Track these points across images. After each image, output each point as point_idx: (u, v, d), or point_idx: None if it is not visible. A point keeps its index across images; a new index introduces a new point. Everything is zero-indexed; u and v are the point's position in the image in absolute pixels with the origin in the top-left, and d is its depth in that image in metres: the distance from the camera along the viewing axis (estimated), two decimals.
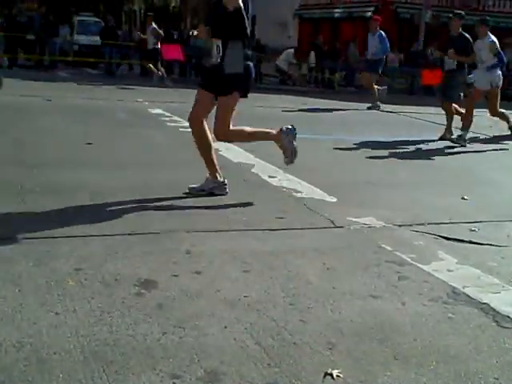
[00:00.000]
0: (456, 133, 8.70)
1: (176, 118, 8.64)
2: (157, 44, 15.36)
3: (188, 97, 10.05)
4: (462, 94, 9.16)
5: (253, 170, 5.53)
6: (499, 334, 2.59)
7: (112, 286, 2.76)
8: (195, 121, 4.52)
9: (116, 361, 2.15)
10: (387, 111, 12.76)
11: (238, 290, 2.83)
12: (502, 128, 9.71)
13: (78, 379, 2.02)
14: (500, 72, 8.58)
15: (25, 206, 3.91)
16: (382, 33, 12.18)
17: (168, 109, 9.53)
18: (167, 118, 8.62)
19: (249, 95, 4.45)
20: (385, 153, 7.27)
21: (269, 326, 2.49)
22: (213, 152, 4.62)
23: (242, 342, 2.36)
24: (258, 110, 11.27)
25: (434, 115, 12.26)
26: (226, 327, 2.46)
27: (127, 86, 13.04)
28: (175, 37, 19.30)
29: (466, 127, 8.48)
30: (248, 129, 4.57)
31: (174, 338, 2.34)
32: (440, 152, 7.74)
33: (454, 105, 8.82)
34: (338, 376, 2.16)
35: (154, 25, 15.45)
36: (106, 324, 2.40)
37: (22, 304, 2.51)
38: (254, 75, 4.61)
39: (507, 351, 2.44)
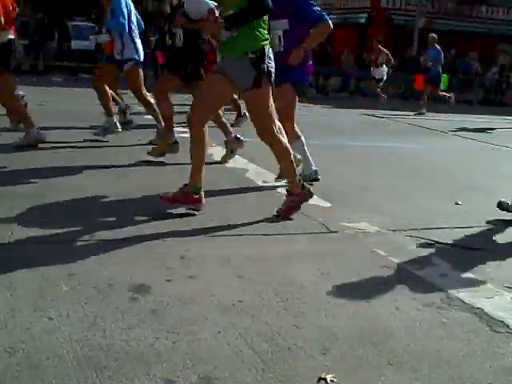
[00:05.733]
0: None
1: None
2: None
3: (184, 102, 9.99)
4: None
5: (247, 175, 5.53)
6: (493, 338, 2.59)
7: (105, 291, 2.75)
8: None
9: (109, 366, 2.14)
10: (381, 117, 12.81)
11: (231, 294, 2.83)
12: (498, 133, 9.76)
13: None
14: None
15: (16, 210, 3.89)
16: None
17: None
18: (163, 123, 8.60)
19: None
20: (379, 158, 7.29)
21: (263, 331, 2.49)
22: None
23: (235, 346, 2.35)
24: None
25: (427, 120, 12.32)
26: (219, 332, 2.46)
27: (121, 91, 13.01)
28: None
29: None
30: None
31: (168, 342, 2.34)
32: (434, 157, 7.77)
33: None
34: (331, 381, 2.15)
35: None
36: (100, 329, 2.39)
37: (14, 309, 2.50)
38: None
39: (501, 356, 2.44)
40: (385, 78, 15.78)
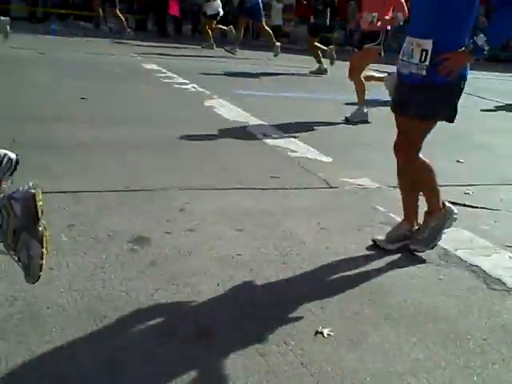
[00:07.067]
0: None
1: (170, 74, 8.53)
2: None
3: (182, 53, 9.83)
4: None
5: (248, 129, 5.49)
6: (489, 296, 2.61)
7: (105, 242, 2.76)
8: None
9: (109, 316, 2.16)
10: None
11: (231, 248, 2.84)
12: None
13: (71, 333, 2.03)
14: None
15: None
16: None
17: (162, 64, 9.41)
18: (162, 74, 8.51)
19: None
20: (382, 114, 7.22)
21: (261, 285, 2.51)
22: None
23: (234, 299, 2.37)
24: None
25: None
26: (218, 285, 2.47)
27: (121, 41, 12.83)
28: None
29: None
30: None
31: (167, 294, 2.35)
32: None
33: None
34: (328, 335, 2.18)
35: None
36: (99, 279, 2.41)
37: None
38: None
39: (496, 313, 2.47)
40: (221, 13, 13.16)
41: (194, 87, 7.59)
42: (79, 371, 1.84)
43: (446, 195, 3.95)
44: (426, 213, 3.06)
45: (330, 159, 4.66)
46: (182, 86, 7.66)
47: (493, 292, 2.65)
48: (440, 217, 3.03)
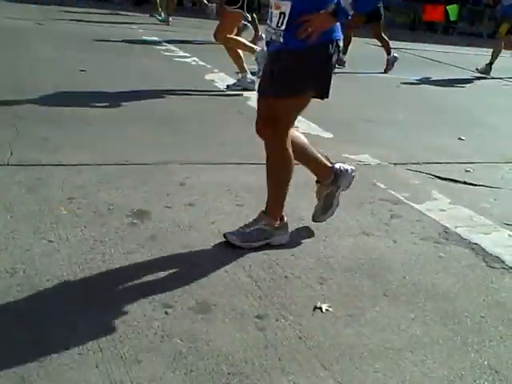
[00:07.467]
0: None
1: (171, 47, 8.45)
2: None
3: (183, 26, 9.71)
4: None
5: (249, 103, 5.45)
6: (488, 274, 2.62)
7: (105, 216, 2.76)
8: None
9: (108, 289, 2.17)
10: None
11: (231, 223, 2.83)
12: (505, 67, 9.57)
13: (71, 305, 2.03)
14: None
15: (18, 132, 3.85)
16: None
17: (163, 37, 9.31)
18: (163, 47, 8.43)
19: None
20: (384, 90, 7.17)
21: (261, 260, 2.51)
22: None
23: (233, 274, 2.38)
24: None
25: (434, 52, 12.05)
26: (218, 259, 2.48)
27: (121, 13, 12.68)
28: None
29: None
30: None
31: (167, 268, 2.36)
32: (439, 92, 7.65)
33: None
34: (327, 310, 2.19)
35: None
36: (99, 253, 2.41)
37: (14, 231, 2.51)
38: None
39: (495, 291, 2.48)
40: None
41: (194, 61, 7.52)
42: (79, 343, 1.85)
43: (446, 172, 3.96)
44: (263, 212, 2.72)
45: (330, 135, 4.64)
46: (183, 60, 7.59)
47: (492, 270, 2.66)
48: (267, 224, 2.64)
